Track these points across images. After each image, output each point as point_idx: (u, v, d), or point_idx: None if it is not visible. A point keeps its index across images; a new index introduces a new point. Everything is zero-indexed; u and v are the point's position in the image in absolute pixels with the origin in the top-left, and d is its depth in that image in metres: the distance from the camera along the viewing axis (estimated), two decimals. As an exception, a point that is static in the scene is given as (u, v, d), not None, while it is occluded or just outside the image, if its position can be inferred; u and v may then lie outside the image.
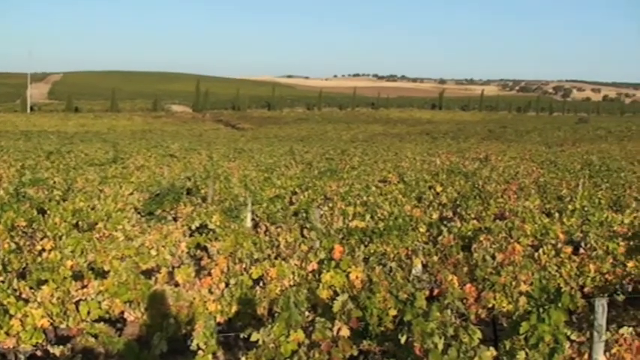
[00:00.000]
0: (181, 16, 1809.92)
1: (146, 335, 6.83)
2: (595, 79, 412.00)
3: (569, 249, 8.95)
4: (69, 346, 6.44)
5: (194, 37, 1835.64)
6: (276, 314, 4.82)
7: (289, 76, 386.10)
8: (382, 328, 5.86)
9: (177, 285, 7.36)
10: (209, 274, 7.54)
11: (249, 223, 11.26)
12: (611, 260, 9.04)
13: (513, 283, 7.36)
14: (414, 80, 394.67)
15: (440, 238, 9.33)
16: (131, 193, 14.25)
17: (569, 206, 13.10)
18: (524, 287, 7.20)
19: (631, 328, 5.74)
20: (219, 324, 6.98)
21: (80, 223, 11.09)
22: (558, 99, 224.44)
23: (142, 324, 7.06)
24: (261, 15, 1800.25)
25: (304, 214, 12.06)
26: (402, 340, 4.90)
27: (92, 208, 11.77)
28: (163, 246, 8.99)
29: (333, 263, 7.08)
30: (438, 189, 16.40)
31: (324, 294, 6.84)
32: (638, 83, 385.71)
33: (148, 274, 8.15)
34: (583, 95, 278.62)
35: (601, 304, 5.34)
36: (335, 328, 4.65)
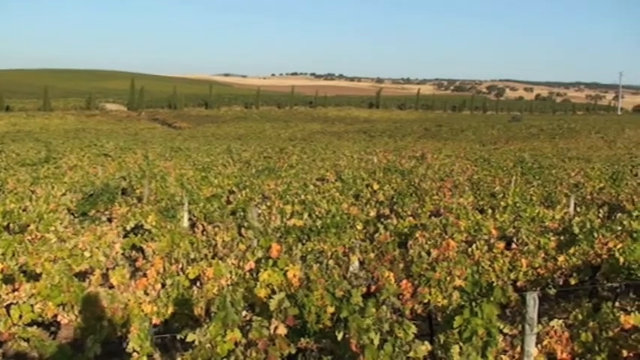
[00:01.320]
0: (115, 12, 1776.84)
1: (81, 338, 6.69)
2: (528, 79, 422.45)
3: (501, 244, 9.16)
4: (0, 351, 6.27)
5: (129, 34, 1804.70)
6: (212, 314, 4.78)
7: (227, 75, 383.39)
8: (320, 326, 5.86)
9: (111, 287, 7.24)
10: (144, 275, 7.44)
11: (185, 223, 11.16)
12: (542, 255, 9.29)
13: (448, 278, 7.49)
14: (352, 79, 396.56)
15: (376, 235, 9.43)
16: (64, 194, 13.94)
17: (502, 203, 13.41)
18: (458, 282, 7.34)
19: (561, 321, 5.92)
20: (155, 325, 6.89)
21: (11, 225, 10.81)
22: (492, 98, 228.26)
23: (76, 327, 6.92)
24: (198, 13, 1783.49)
25: (242, 213, 12.02)
26: (339, 336, 4.94)
27: (24, 210, 11.48)
28: (97, 247, 8.82)
29: (270, 262, 7.06)
30: (375, 187, 16.57)
31: (261, 293, 6.82)
32: (570, 83, 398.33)
33: (82, 276, 8.00)
34: (516, 94, 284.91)
35: (532, 298, 5.47)
36: (272, 327, 4.64)
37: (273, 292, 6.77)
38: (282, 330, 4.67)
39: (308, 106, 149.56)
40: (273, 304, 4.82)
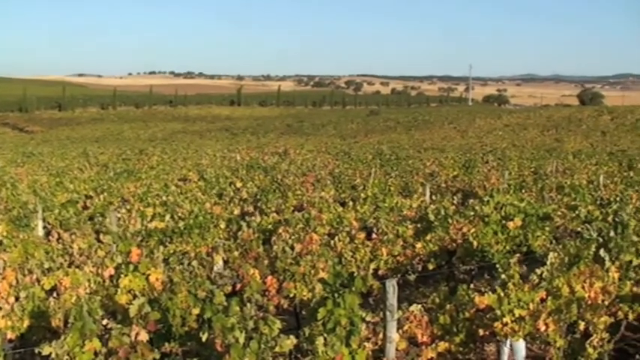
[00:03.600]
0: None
1: None
2: (384, 74, 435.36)
3: (362, 235, 9.40)
4: None
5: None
6: (71, 325, 4.61)
7: (81, 75, 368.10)
8: (186, 328, 5.78)
9: (-39, 305, 6.80)
10: (-4, 289, 7.03)
11: (40, 232, 10.66)
12: (401, 243, 9.63)
13: (312, 271, 7.58)
14: (212, 77, 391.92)
15: (240, 233, 9.39)
16: None
17: (362, 194, 13.73)
18: (322, 275, 7.44)
19: (420, 305, 6.13)
20: (10, 341, 6.56)
21: None
22: (350, 93, 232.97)
23: None
24: (48, 10, 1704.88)
25: (100, 219, 11.63)
26: (204, 337, 4.88)
27: None
28: (-57, 263, 8.23)
29: (131, 267, 6.87)
30: (239, 184, 16.53)
31: (123, 299, 6.63)
32: (423, 76, 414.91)
33: None
34: (373, 89, 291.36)
35: (391, 285, 5.64)
36: (133, 334, 4.52)
37: (136, 297, 6.60)
38: (144, 336, 4.56)
39: (168, 106, 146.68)
40: (133, 310, 4.70)
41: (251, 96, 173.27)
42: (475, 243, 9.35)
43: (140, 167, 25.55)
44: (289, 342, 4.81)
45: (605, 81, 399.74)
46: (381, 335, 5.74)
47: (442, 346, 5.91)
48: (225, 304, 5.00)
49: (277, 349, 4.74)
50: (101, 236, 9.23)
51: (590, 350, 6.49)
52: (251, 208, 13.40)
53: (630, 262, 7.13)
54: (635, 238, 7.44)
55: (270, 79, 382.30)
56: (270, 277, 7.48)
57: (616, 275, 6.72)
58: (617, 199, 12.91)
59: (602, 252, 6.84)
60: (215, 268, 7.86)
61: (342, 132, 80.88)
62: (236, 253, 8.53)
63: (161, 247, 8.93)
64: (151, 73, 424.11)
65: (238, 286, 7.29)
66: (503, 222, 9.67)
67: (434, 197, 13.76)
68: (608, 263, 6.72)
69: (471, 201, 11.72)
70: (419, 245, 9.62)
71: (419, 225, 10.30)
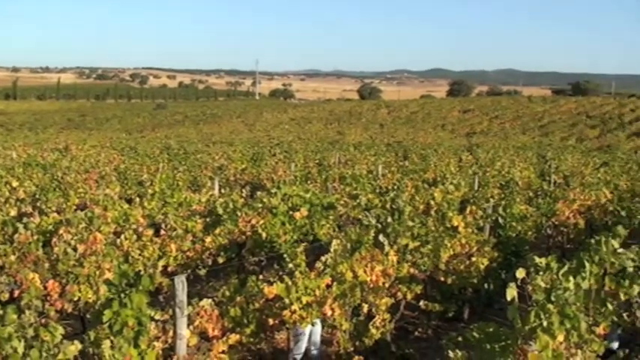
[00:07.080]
0: None
1: None
2: (170, 67, 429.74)
3: (150, 232, 9.22)
4: None
5: None
6: None
7: None
8: (-42, 342, 5.34)
9: None
10: None
11: None
12: (190, 238, 9.61)
13: (97, 272, 7.33)
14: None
15: (16, 236, 8.81)
16: None
17: (150, 190, 13.45)
18: (108, 275, 7.21)
19: (210, 300, 6.16)
20: None
21: None
22: (136, 86, 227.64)
23: None
24: None
25: None
26: (-22, 350, 4.55)
27: None
28: None
29: None
30: (15, 184, 15.49)
31: None
32: (210, 70, 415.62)
33: None
34: (160, 82, 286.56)
35: (180, 281, 5.59)
36: None
37: None
38: None
39: None
40: None
41: (28, 89, 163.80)
42: (264, 234, 9.55)
43: None
44: (73, 348, 4.61)
45: (382, 76, 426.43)
46: (171, 333, 5.68)
47: (233, 338, 5.98)
48: (1, 312, 4.69)
49: (61, 356, 4.53)
50: None
51: (374, 331, 6.92)
52: (29, 209, 12.62)
53: (407, 245, 7.70)
54: (410, 223, 8.03)
55: (49, 71, 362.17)
56: (51, 281, 7.12)
57: (394, 258, 7.22)
58: (394, 187, 13.81)
59: (381, 237, 7.31)
60: (-11, 276, 7.33)
61: (128, 126, 78.83)
62: (13, 258, 8.00)
63: None
64: None
65: (17, 292, 6.87)
66: (291, 213, 9.97)
67: (223, 191, 13.82)
68: (387, 247, 7.20)
69: (259, 193, 11.94)
70: (208, 239, 9.64)
71: (208, 219, 10.33)
